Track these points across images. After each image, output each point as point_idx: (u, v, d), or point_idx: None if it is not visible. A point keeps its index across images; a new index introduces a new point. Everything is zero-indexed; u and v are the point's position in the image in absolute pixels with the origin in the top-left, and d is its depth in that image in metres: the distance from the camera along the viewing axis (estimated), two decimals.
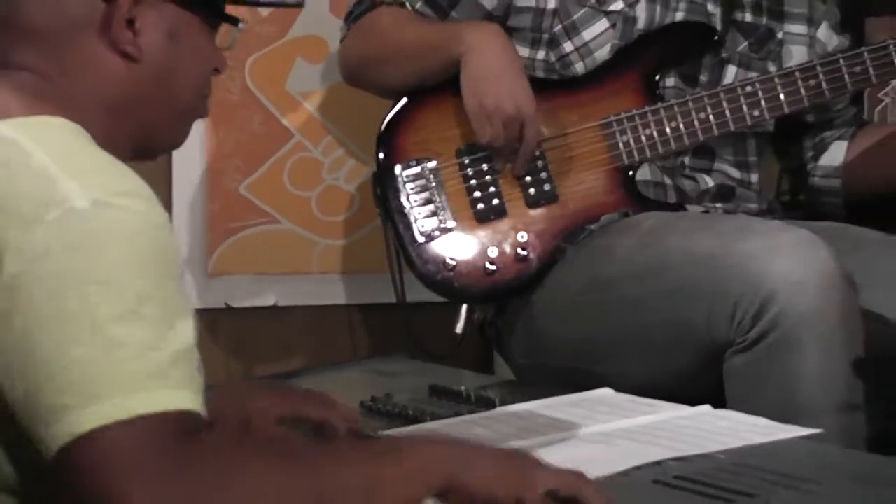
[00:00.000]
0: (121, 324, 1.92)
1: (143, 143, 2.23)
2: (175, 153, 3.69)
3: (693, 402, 2.66)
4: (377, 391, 2.82)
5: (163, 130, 2.25)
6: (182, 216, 3.83)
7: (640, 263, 3.22)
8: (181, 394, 1.95)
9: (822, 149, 3.62)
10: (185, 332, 2.00)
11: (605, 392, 2.76)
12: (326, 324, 3.91)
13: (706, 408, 2.61)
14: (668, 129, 3.38)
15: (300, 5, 2.53)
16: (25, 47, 2.16)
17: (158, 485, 1.91)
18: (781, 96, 3.40)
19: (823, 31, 3.62)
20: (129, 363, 1.92)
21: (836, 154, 3.62)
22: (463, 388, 2.80)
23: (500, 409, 2.65)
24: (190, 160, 3.82)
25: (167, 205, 3.76)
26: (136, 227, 1.98)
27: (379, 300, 3.85)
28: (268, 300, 3.89)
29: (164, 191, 3.79)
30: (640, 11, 3.43)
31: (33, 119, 2.08)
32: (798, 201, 3.65)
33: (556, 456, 2.25)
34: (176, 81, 2.22)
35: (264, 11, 3.84)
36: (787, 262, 2.99)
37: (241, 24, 2.31)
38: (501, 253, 3.36)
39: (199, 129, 3.75)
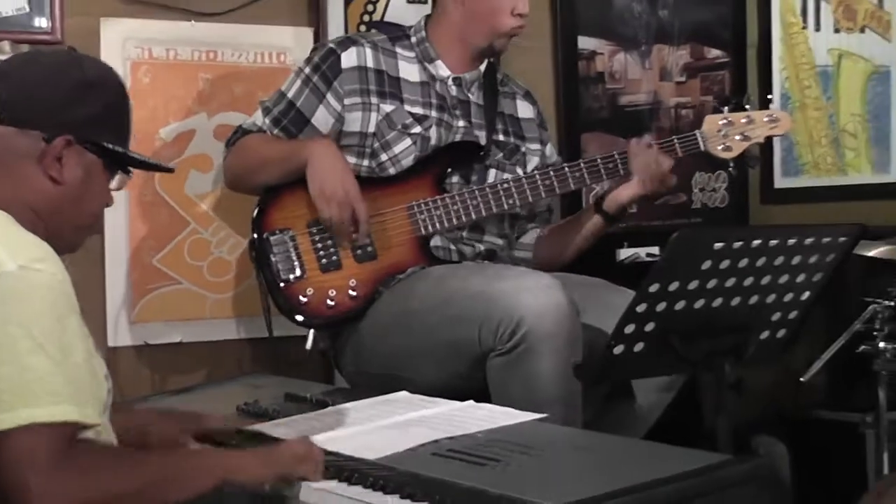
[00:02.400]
0: (30, 355, 1.97)
1: (52, 240, 2.19)
2: (107, 239, 3.73)
3: (466, 398, 2.71)
4: (248, 398, 2.85)
5: (66, 236, 2.28)
6: (113, 281, 3.77)
7: (433, 300, 3.27)
8: (70, 408, 2.00)
9: (522, 232, 3.71)
10: (77, 359, 2.05)
11: (402, 394, 2.80)
12: (215, 353, 3.87)
13: (471, 402, 2.67)
14: (451, 212, 3.44)
15: (171, 171, 2.59)
16: None
17: (51, 475, 1.97)
18: (527, 190, 3.47)
19: (548, 149, 3.74)
20: (34, 384, 1.97)
21: (531, 237, 3.71)
22: (308, 394, 2.84)
23: (330, 409, 2.69)
24: (118, 242, 3.77)
25: (101, 274, 3.76)
26: (47, 284, 2.03)
27: (252, 336, 3.85)
28: (175, 338, 3.84)
29: (99, 266, 3.76)
30: (433, 133, 3.50)
31: None
32: None
33: (366, 440, 2.36)
34: (83, 204, 2.26)
35: (168, 137, 3.82)
36: (534, 297, 3.06)
37: (130, 174, 2.35)
38: (338, 294, 3.40)
39: (124, 220, 3.76)
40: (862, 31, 4.93)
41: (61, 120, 2.22)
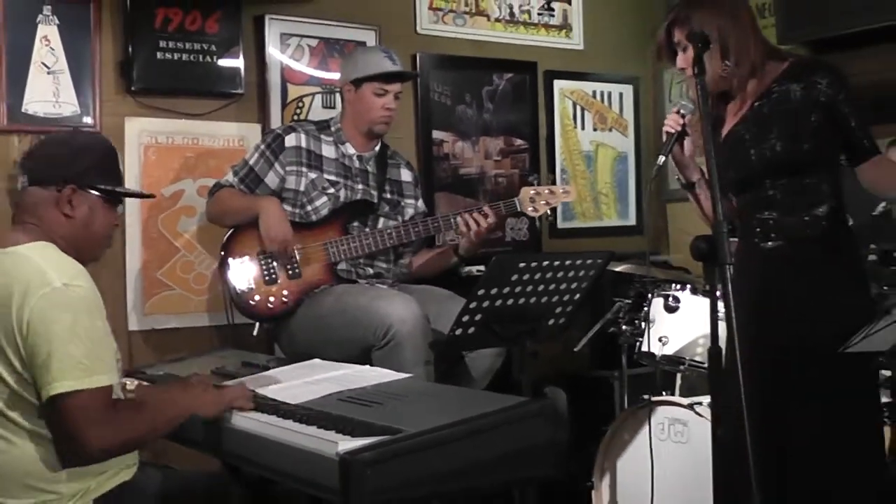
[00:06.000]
0: (72, 343, 1.95)
1: (79, 256, 2.19)
2: (127, 260, 3.67)
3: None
4: (218, 365, 2.81)
5: (88, 252, 2.24)
6: (131, 287, 3.69)
7: (334, 309, 3.24)
8: (104, 377, 1.99)
9: (400, 256, 3.63)
10: (104, 344, 2.02)
11: (315, 361, 2.76)
12: (197, 335, 3.80)
13: (366, 367, 2.66)
14: (352, 247, 3.39)
15: (152, 196, 2.57)
16: (26, 214, 2.18)
17: (102, 425, 1.96)
18: (402, 233, 3.42)
19: (419, 203, 3.69)
20: (76, 362, 1.96)
21: (406, 259, 3.64)
22: (257, 361, 2.80)
23: (269, 371, 2.65)
24: (134, 262, 3.70)
25: (123, 283, 3.69)
26: (82, 296, 2.01)
27: (220, 323, 3.71)
28: (171, 325, 3.77)
29: (122, 278, 3.69)
30: (342, 193, 3.45)
31: (32, 244, 2.12)
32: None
33: (293, 391, 2.32)
34: (92, 229, 2.22)
35: (167, 194, 3.73)
36: (399, 309, 3.06)
37: (120, 208, 2.33)
38: (275, 299, 3.35)
39: (138, 248, 3.68)
40: (610, 130, 4.99)
41: (65, 175, 2.20)
